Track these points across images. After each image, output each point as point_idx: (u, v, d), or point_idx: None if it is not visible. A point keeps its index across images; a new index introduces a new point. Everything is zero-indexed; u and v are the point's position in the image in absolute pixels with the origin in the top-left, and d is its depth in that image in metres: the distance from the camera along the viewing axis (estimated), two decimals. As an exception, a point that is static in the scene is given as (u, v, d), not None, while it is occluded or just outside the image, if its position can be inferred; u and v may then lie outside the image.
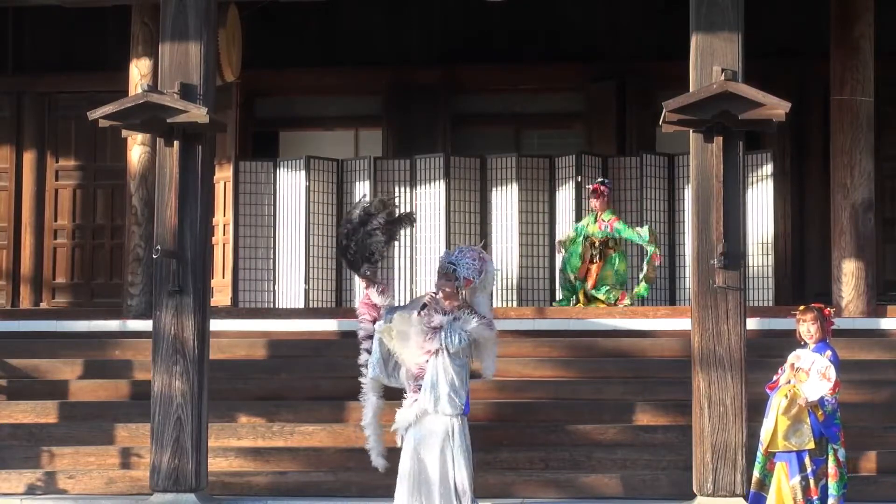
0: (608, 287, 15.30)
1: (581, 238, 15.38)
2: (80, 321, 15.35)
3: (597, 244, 15.35)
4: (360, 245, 10.70)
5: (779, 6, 17.11)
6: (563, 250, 15.49)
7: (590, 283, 15.34)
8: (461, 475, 10.11)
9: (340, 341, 14.23)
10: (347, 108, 18.66)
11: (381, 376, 10.46)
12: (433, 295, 10.28)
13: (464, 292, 10.36)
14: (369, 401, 10.63)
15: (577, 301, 15.40)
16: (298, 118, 18.80)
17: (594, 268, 15.35)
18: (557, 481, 12.39)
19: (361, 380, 10.73)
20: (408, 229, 16.38)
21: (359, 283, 15.98)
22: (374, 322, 10.49)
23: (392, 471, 10.56)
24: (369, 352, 10.58)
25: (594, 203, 15.39)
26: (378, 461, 10.75)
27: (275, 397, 13.73)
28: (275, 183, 16.93)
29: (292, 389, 13.81)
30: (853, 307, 14.49)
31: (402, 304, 11.05)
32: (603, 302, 15.26)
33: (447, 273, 10.29)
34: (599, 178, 15.68)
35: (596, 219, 15.39)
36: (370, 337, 10.51)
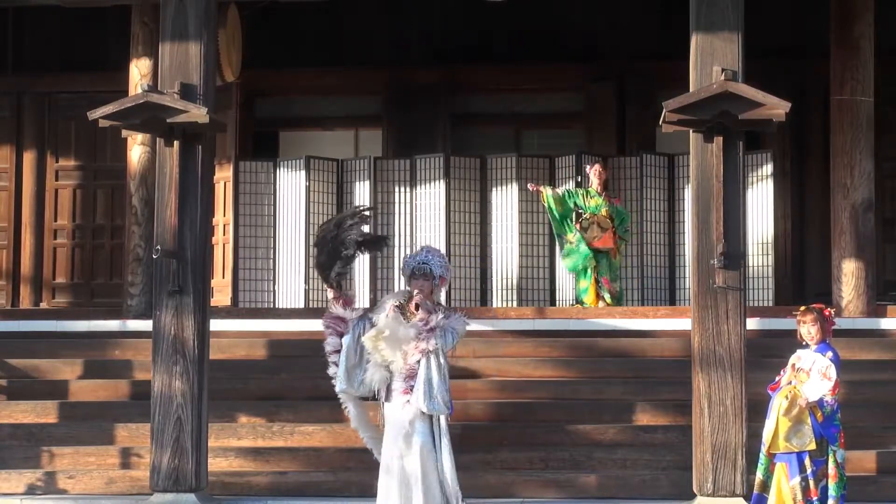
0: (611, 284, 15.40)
1: (573, 202, 15.47)
2: (80, 321, 15.35)
3: (605, 215, 15.42)
4: (334, 241, 10.54)
5: (779, 6, 17.10)
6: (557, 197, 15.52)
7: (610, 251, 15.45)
8: (450, 474, 10.09)
9: (340, 341, 14.20)
10: (347, 108, 18.65)
11: (350, 389, 10.39)
12: (422, 297, 10.23)
13: (442, 291, 10.35)
14: (351, 412, 10.58)
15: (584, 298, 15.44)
16: (298, 118, 18.78)
17: (608, 237, 15.42)
18: (557, 481, 12.39)
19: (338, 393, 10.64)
20: (407, 228, 16.57)
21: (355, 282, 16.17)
22: (340, 336, 10.42)
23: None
24: (338, 364, 10.52)
25: (595, 180, 15.51)
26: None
27: (275, 397, 13.73)
28: (275, 183, 16.92)
29: (292, 389, 13.81)
30: (853, 307, 14.48)
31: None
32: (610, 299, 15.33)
33: (425, 273, 10.25)
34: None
35: (601, 196, 15.50)
36: (338, 351, 10.45)
